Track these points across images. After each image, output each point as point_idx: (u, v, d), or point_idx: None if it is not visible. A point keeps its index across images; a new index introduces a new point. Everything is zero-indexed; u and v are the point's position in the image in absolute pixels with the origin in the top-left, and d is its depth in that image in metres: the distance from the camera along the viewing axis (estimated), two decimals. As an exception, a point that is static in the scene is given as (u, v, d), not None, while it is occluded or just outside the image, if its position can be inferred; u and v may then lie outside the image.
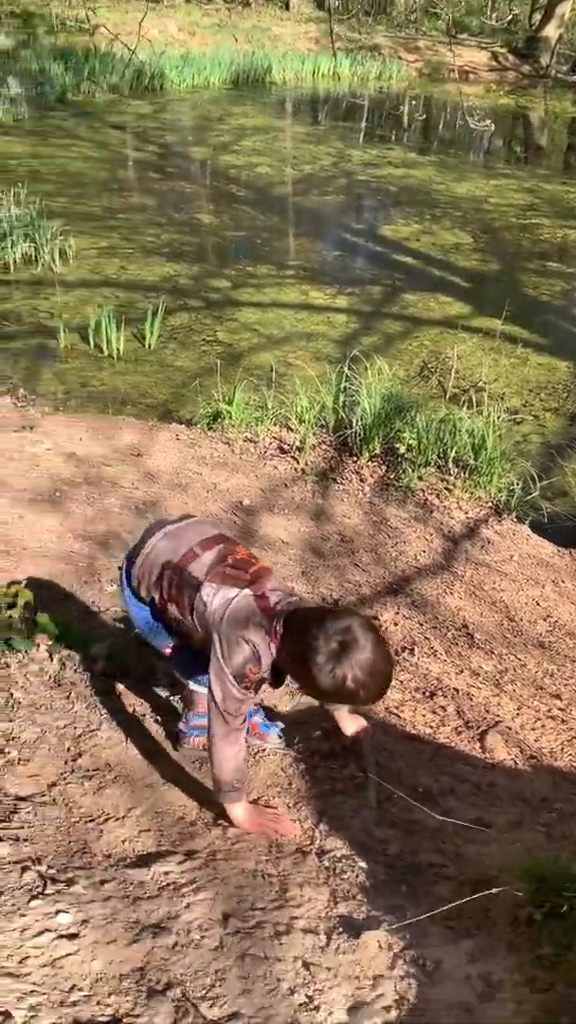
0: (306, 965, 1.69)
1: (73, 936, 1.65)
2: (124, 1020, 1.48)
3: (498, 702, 3.04)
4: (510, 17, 29.96)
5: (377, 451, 4.89)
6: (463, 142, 17.40)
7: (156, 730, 2.63)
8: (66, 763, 2.30)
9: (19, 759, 2.26)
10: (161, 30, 23.58)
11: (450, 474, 4.78)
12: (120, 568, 2.46)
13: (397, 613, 3.62)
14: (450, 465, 4.80)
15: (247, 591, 2.14)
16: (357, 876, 2.01)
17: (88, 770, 2.29)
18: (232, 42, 23.76)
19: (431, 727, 2.84)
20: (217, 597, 2.14)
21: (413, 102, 21.44)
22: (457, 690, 3.08)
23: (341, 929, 1.81)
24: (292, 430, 5.15)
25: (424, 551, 4.20)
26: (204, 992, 1.58)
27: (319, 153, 14.95)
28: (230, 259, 9.61)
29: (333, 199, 12.31)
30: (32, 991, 1.49)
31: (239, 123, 17.09)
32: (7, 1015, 1.43)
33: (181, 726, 2.59)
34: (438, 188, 12.87)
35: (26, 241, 8.83)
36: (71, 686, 2.62)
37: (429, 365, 6.88)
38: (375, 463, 4.87)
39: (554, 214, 11.83)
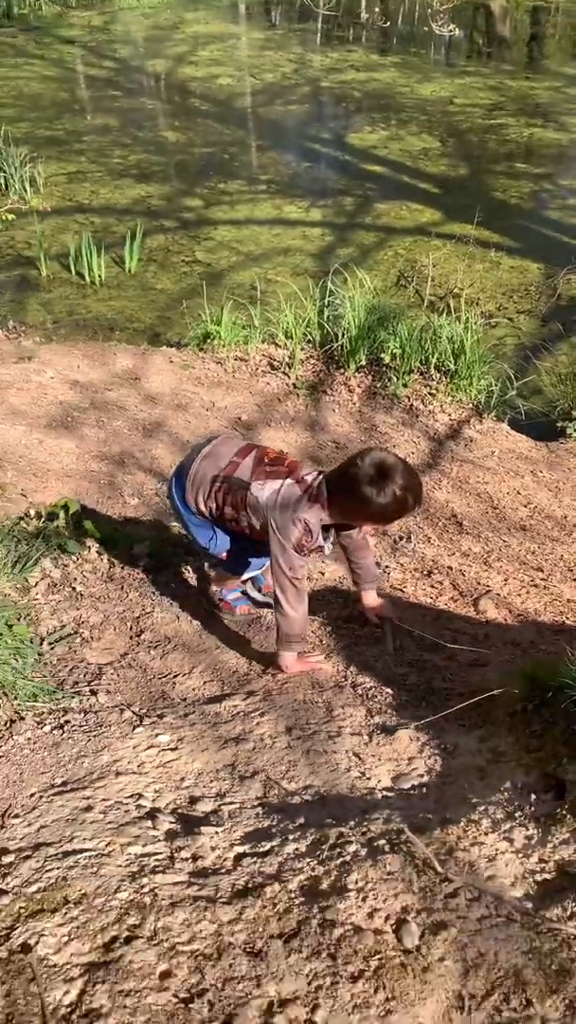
0: (356, 755, 2.16)
1: (173, 749, 2.10)
2: (227, 794, 1.92)
3: (487, 576, 3.44)
4: None
5: (363, 362, 5.18)
6: (424, 39, 17.04)
7: (200, 609, 3.07)
8: (131, 638, 2.70)
9: (92, 638, 2.66)
10: None
11: (433, 380, 5.09)
12: (168, 495, 2.82)
13: (393, 508, 3.99)
14: (432, 371, 5.10)
15: (288, 480, 2.56)
16: (385, 699, 2.48)
17: (151, 642, 2.70)
18: None
19: (431, 598, 3.25)
20: (265, 490, 2.55)
21: (373, 3, 20.84)
22: (451, 568, 3.48)
23: (379, 731, 2.28)
24: (280, 346, 5.40)
25: (413, 452, 4.54)
26: (282, 775, 2.02)
27: (279, 60, 14.68)
28: (200, 177, 9.63)
29: (298, 108, 12.21)
30: (153, 782, 1.92)
31: (194, 31, 16.65)
32: (139, 795, 1.85)
33: (226, 597, 3.01)
34: (402, 91, 12.76)
35: (-6, 171, 8.82)
36: (121, 580, 3.00)
37: (405, 274, 7.10)
38: (362, 373, 5.16)
39: (519, 112, 11.81)
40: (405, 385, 5.02)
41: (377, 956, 1.40)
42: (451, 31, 7.07)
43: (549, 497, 4.20)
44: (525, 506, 4.10)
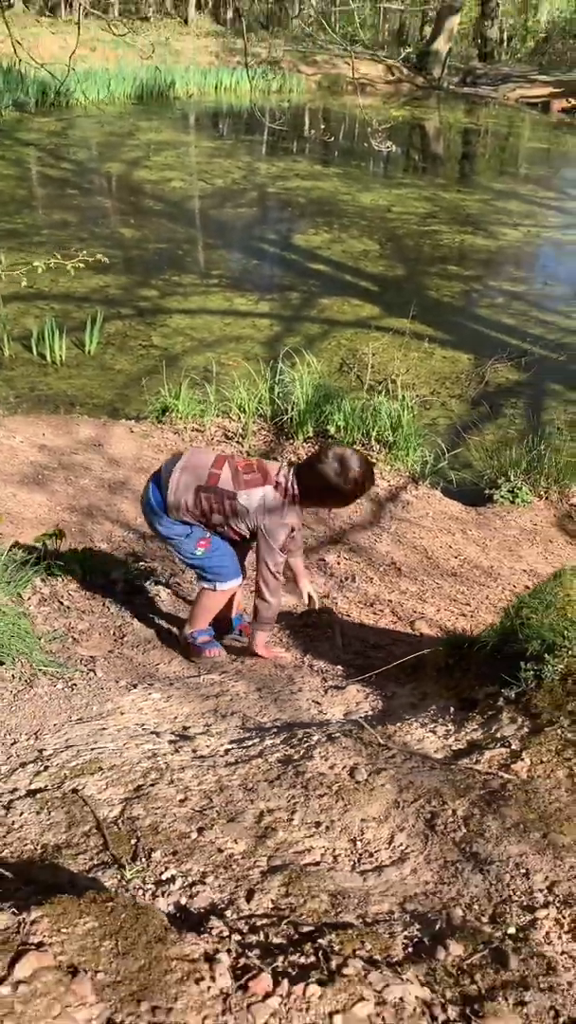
0: (315, 701, 2.55)
1: (165, 700, 2.42)
2: (212, 725, 2.25)
3: (422, 607, 3.86)
4: (402, 35, 31.34)
5: (310, 433, 5.67)
6: (364, 153, 18.40)
7: (173, 622, 3.44)
8: (115, 640, 3.04)
9: (81, 640, 2.98)
10: (62, 46, 23.92)
11: (373, 450, 5.58)
12: (144, 503, 3.15)
13: (339, 556, 4.41)
14: (373, 443, 5.60)
15: (268, 487, 2.98)
16: (336, 673, 2.87)
17: (133, 643, 3.05)
18: (134, 57, 24.30)
19: (372, 620, 3.65)
20: (252, 499, 2.96)
21: (317, 120, 22.40)
22: (391, 600, 3.89)
23: (332, 689, 2.63)
24: (234, 419, 5.87)
25: (356, 512, 4.99)
26: (255, 714, 2.38)
27: (229, 167, 15.71)
28: (155, 270, 10.27)
29: (247, 211, 13.09)
30: (152, 718, 2.26)
31: (148, 138, 17.71)
32: (143, 724, 2.18)
33: (196, 640, 3.27)
34: (344, 198, 13.78)
35: (-44, 260, 9.31)
36: (102, 598, 3.35)
37: (347, 361, 7.71)
38: (309, 444, 5.64)
39: (452, 221, 12.86)
40: (348, 455, 5.51)
41: (336, 785, 1.77)
42: (389, 148, 7.89)
43: (477, 551, 4.67)
44: (456, 557, 4.56)
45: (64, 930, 1.14)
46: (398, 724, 2.14)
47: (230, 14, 33.50)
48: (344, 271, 10.39)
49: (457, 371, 7.76)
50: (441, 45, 28.14)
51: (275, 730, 2.19)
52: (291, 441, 5.69)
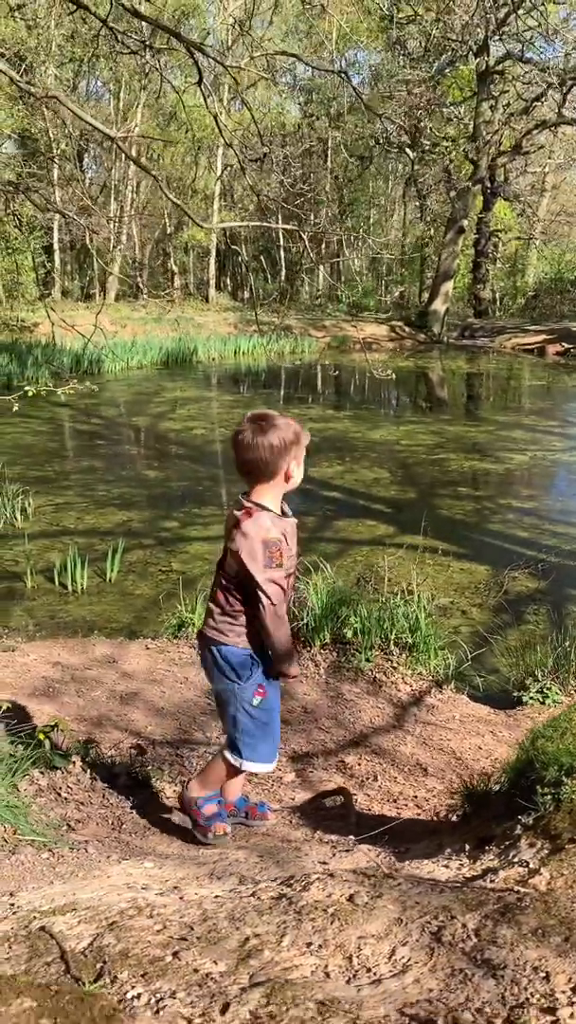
0: (322, 862, 2.23)
1: (158, 868, 2.15)
2: (205, 886, 1.97)
3: (450, 802, 3.56)
4: (397, 294, 34.54)
5: (327, 640, 5.56)
6: (373, 399, 19.62)
7: (175, 814, 3.19)
8: (112, 828, 2.80)
9: (77, 828, 2.75)
10: (94, 324, 26.43)
11: (393, 655, 5.44)
12: (208, 662, 3.12)
13: (360, 757, 4.17)
14: (392, 647, 5.48)
15: (233, 540, 2.84)
16: (347, 843, 2.54)
17: (131, 830, 2.80)
18: (161, 331, 26.78)
19: (395, 814, 3.35)
20: (231, 569, 2.88)
21: (327, 370, 24.15)
22: (416, 795, 3.60)
23: (341, 853, 2.33)
24: (250, 630, 5.80)
25: (378, 716, 4.78)
26: (255, 874, 2.09)
27: (247, 415, 16.73)
28: (177, 504, 10.66)
29: (263, 450, 13.76)
30: (141, 882, 1.98)
31: (172, 395, 19.06)
32: (130, 885, 1.93)
33: (202, 808, 3.00)
34: (355, 436, 14.51)
35: (-13, 504, 9.79)
36: (103, 790, 3.15)
37: (364, 575, 7.74)
38: (327, 650, 5.52)
39: (459, 449, 13.42)
40: (368, 659, 5.37)
41: (333, 908, 1.52)
42: (389, 375, 8.43)
43: (509, 752, 4.39)
44: (487, 758, 4.29)
45: (-4, 1008, 0.96)
46: (407, 862, 1.91)
47: (247, 293, 37.27)
48: (357, 496, 10.72)
49: (475, 581, 7.75)
50: (439, 306, 30.84)
51: (273, 878, 1.95)
52: (308, 648, 5.58)
